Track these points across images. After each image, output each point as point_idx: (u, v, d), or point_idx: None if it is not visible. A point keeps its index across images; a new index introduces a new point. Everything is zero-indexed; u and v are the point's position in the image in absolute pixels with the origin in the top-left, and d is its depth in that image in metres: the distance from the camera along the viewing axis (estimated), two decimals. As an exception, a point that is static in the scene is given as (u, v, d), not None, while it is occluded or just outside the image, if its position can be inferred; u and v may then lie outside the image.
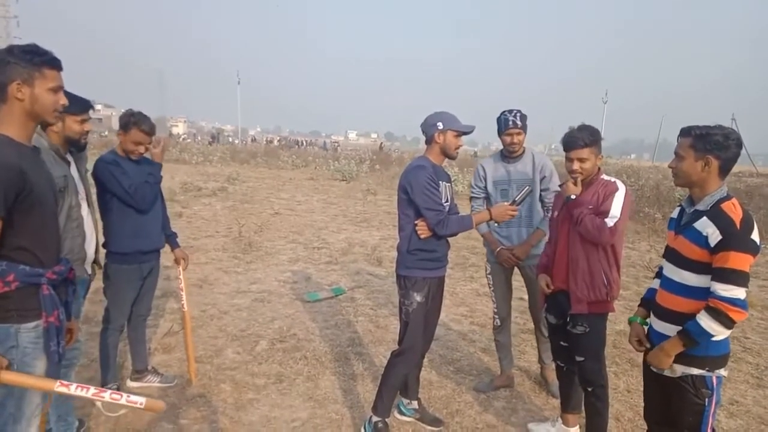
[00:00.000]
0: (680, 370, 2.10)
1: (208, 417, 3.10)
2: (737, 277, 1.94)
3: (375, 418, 2.91)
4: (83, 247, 2.60)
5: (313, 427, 3.06)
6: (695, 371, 2.08)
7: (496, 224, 3.32)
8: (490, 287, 3.65)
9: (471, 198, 3.63)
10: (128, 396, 1.69)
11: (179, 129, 78.76)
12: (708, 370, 2.07)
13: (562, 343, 2.86)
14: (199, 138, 55.24)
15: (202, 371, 3.62)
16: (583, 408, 2.90)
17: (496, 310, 3.61)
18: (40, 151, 1.86)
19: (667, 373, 2.14)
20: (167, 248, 3.43)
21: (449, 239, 2.93)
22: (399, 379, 2.94)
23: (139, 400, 1.68)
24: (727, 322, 1.95)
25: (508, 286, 3.62)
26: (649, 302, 2.38)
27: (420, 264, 2.84)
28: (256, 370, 3.72)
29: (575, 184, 2.70)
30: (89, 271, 2.71)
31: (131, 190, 2.94)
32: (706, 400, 2.08)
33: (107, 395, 1.69)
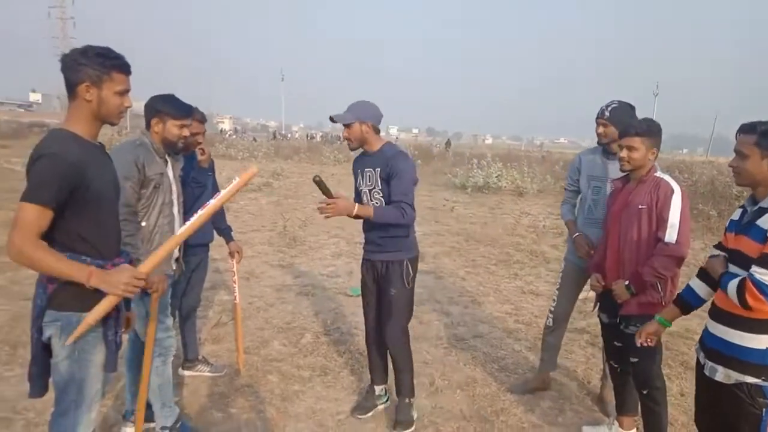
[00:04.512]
0: (734, 376, 1.99)
1: (256, 407, 3.18)
2: None
3: (412, 399, 3.08)
4: None
5: (357, 420, 3.09)
6: (750, 380, 1.96)
7: (589, 224, 3.19)
8: (557, 285, 3.48)
9: (565, 189, 3.51)
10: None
11: (225, 125, 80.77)
12: (764, 380, 1.94)
13: (615, 343, 2.78)
14: (246, 134, 56.53)
15: (249, 362, 3.71)
16: (639, 411, 2.81)
17: (552, 309, 3.43)
18: (105, 148, 1.94)
19: (719, 378, 2.03)
20: (220, 241, 3.52)
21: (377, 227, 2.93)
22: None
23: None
24: (743, 302, 1.86)
25: (576, 289, 3.39)
26: (683, 301, 2.27)
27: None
28: (302, 363, 3.78)
29: (622, 170, 2.68)
30: (173, 267, 2.76)
31: None
32: (764, 409, 1.95)
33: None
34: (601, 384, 3.46)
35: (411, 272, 2.95)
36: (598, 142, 3.19)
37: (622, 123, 2.99)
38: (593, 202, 3.20)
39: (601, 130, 3.11)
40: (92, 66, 1.76)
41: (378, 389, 3.21)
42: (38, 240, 1.66)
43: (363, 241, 3.05)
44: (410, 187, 2.80)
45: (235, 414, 3.10)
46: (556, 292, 3.45)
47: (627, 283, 2.58)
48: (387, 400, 3.23)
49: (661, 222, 2.52)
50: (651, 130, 2.58)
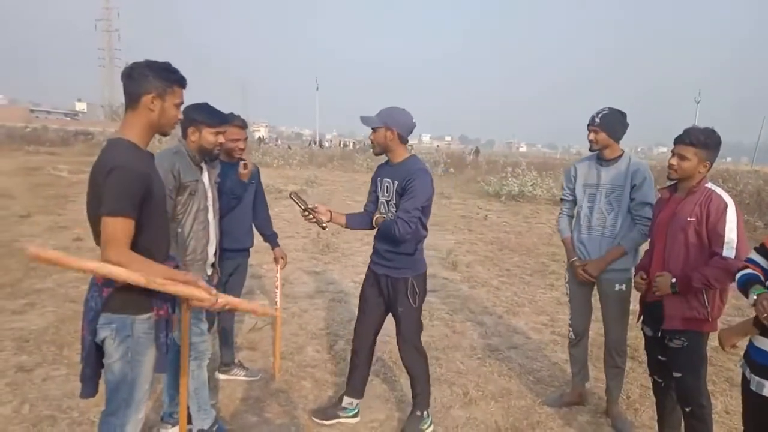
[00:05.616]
0: None
1: (290, 412, 3.20)
2: None
3: (425, 413, 3.02)
4: (206, 249, 2.72)
5: (391, 428, 3.08)
6: None
7: (586, 234, 3.19)
8: (568, 297, 3.46)
9: (561, 200, 3.48)
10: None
11: (261, 133, 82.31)
12: None
13: (659, 357, 2.70)
14: (280, 142, 57.60)
15: (284, 367, 3.75)
16: (681, 429, 2.72)
17: (570, 321, 3.40)
18: (154, 157, 2.01)
19: (767, 393, 1.96)
20: (256, 247, 3.57)
21: (382, 239, 2.93)
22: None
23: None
24: None
25: (586, 299, 3.34)
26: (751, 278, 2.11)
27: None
28: (335, 369, 3.80)
29: (669, 177, 2.61)
30: (209, 272, 2.81)
31: None
32: None
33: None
34: (607, 399, 3.35)
35: (417, 290, 2.89)
36: (590, 149, 3.19)
37: (613, 129, 3.06)
38: (589, 210, 3.20)
39: (592, 137, 3.11)
40: (158, 79, 1.85)
41: (347, 401, 3.13)
42: (131, 251, 1.72)
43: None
44: (417, 206, 2.71)
45: (270, 419, 3.13)
46: (569, 303, 3.42)
47: (674, 280, 2.50)
48: (354, 415, 3.13)
49: (717, 237, 2.42)
50: (708, 143, 2.48)
